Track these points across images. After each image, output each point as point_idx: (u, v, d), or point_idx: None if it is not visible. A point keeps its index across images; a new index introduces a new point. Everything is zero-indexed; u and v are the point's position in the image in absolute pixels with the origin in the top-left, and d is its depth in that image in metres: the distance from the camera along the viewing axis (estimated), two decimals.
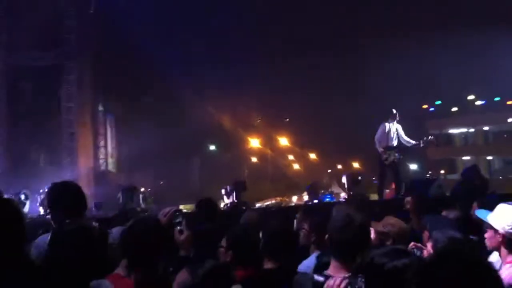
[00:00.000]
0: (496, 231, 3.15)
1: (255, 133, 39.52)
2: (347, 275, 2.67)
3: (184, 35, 29.08)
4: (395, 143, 11.78)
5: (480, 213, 3.29)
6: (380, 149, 11.71)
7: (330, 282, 2.64)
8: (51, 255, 2.94)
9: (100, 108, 25.06)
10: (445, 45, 36.34)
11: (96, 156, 23.33)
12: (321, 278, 2.78)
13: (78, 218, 3.56)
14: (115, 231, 3.67)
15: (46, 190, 15.73)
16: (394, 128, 11.88)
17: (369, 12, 36.47)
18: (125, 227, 3.27)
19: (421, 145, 11.93)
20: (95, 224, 3.59)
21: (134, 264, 3.04)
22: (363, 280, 2.40)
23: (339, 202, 12.82)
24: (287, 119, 41.49)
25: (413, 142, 11.89)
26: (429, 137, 12.61)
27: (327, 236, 3.01)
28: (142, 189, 19.59)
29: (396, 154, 11.67)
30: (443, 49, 36.66)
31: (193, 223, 4.84)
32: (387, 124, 11.88)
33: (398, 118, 11.96)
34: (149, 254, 3.03)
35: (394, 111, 12.01)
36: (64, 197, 3.75)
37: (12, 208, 2.59)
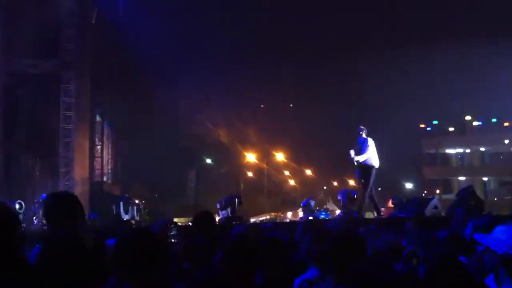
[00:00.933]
0: (494, 252, 3.16)
1: (251, 147, 39.56)
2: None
3: (184, 48, 29.22)
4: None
5: (478, 236, 3.30)
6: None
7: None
8: (41, 265, 2.94)
9: (98, 118, 25.06)
10: (443, 65, 36.58)
11: (92, 167, 23.27)
12: (305, 285, 2.79)
13: (74, 229, 3.55)
14: (112, 243, 3.65)
15: (41, 200, 15.75)
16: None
17: (367, 33, 36.71)
18: (118, 238, 3.26)
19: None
20: (91, 234, 3.57)
21: (126, 276, 3.03)
22: None
23: (335, 219, 12.81)
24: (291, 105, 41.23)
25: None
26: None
27: (324, 249, 3.01)
28: (137, 201, 19.55)
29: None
30: (442, 69, 36.89)
31: (189, 236, 4.84)
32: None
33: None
34: (141, 265, 3.02)
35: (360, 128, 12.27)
36: (61, 207, 3.73)
37: (9, 213, 2.60)
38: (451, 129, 50.79)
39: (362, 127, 12.23)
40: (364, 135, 12.04)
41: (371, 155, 11.89)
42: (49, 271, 2.86)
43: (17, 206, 14.43)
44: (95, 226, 11.82)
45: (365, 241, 3.20)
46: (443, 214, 11.12)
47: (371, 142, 12.00)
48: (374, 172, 11.90)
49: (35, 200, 16.21)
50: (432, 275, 3.19)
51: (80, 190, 19.17)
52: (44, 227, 10.76)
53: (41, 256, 3.01)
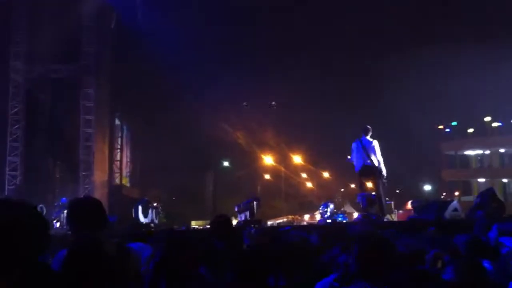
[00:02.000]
0: None
1: (269, 150, 39.52)
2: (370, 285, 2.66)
3: (202, 51, 29.32)
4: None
5: (504, 239, 3.28)
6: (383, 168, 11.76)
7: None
8: (66, 272, 2.97)
9: (117, 122, 25.25)
10: (462, 66, 36.23)
11: (111, 170, 23.45)
12: (336, 284, 2.79)
13: (98, 235, 3.57)
14: (135, 247, 3.68)
15: (61, 203, 15.91)
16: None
17: (383, 30, 36.48)
18: (165, 248, 3.28)
19: None
20: (114, 239, 3.59)
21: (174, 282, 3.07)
22: None
23: (353, 222, 12.76)
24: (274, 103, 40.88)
25: None
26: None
27: (352, 253, 2.96)
28: (155, 204, 19.65)
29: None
30: (460, 70, 36.54)
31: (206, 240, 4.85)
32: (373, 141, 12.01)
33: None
34: (188, 272, 3.06)
35: (367, 127, 12.16)
36: (83, 213, 3.74)
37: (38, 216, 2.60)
38: (470, 130, 50.30)
39: (365, 128, 12.22)
40: (367, 137, 12.06)
41: (356, 160, 12.00)
42: (74, 279, 2.89)
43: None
44: (115, 230, 11.90)
45: (394, 244, 3.15)
46: (463, 216, 11.02)
47: (356, 145, 12.05)
48: (358, 176, 12.04)
49: (56, 204, 16.38)
50: (459, 279, 3.18)
51: (99, 193, 19.34)
52: (66, 231, 10.86)
53: (66, 264, 3.05)
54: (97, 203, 3.79)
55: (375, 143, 11.95)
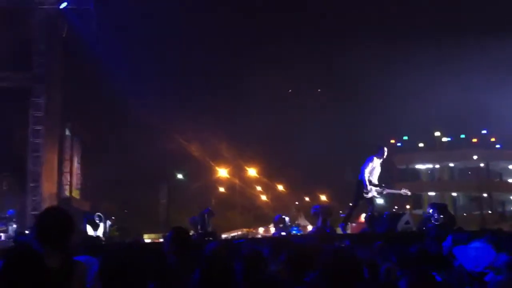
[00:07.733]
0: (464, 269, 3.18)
1: (223, 163, 39.42)
2: None
3: (155, 63, 29.11)
4: (377, 180, 11.96)
5: (457, 250, 3.30)
6: (366, 181, 11.75)
7: None
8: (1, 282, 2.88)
9: (67, 133, 24.70)
10: (413, 81, 37.10)
11: (60, 182, 22.86)
12: None
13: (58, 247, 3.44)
14: (83, 260, 3.61)
15: (8, 215, 15.41)
16: (379, 166, 12.07)
17: (335, 49, 37.05)
18: (105, 257, 3.18)
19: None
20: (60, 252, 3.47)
21: None
22: None
23: (308, 235, 12.78)
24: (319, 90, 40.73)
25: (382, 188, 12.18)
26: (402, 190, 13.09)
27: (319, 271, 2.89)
28: (107, 217, 19.21)
29: (378, 189, 11.86)
30: (412, 85, 37.40)
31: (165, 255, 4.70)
32: (375, 159, 12.02)
33: (384, 158, 12.21)
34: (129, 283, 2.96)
35: (386, 150, 12.23)
36: (50, 225, 3.59)
37: None
38: (421, 145, 51.48)
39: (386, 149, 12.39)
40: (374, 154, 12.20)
41: None
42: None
43: None
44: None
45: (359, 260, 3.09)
46: (414, 229, 11.19)
47: None
48: None
49: (2, 216, 15.89)
50: None
51: (48, 205, 18.77)
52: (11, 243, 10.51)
53: (1, 273, 2.95)
54: (66, 216, 3.65)
55: (371, 159, 12.05)
